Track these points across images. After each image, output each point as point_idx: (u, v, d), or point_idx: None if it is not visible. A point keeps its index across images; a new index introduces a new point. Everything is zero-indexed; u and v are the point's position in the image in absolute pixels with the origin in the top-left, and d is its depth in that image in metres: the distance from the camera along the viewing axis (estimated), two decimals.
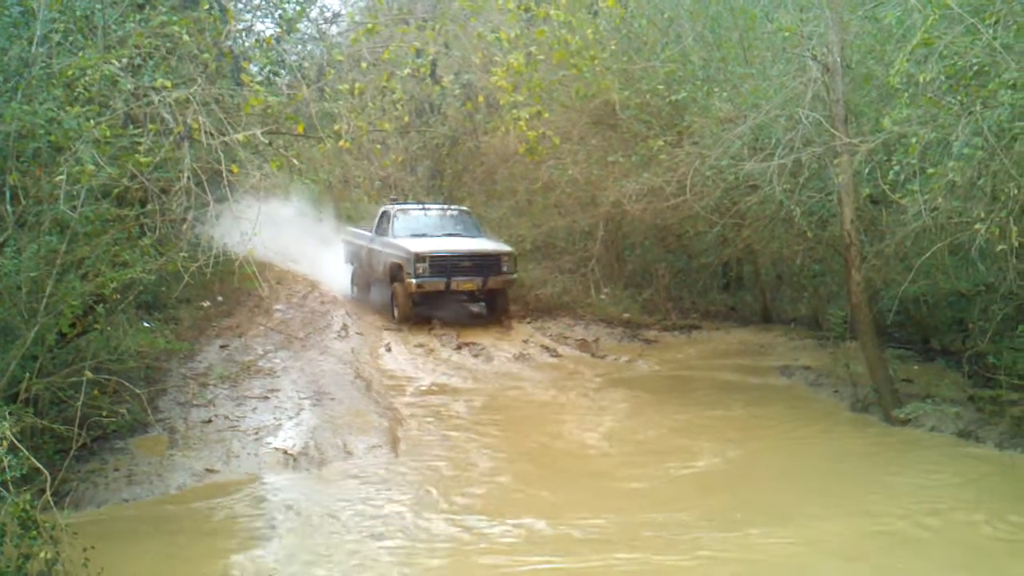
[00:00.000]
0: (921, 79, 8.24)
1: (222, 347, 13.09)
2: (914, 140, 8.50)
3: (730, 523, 7.33)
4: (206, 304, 14.08)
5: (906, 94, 8.66)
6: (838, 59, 10.04)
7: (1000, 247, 7.99)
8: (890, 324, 12.65)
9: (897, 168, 8.90)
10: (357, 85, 8.75)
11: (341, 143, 8.32)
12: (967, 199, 8.47)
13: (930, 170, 8.55)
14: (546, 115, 9.99)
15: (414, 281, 15.56)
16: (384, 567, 6.62)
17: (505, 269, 16.05)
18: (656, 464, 8.98)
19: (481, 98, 11.07)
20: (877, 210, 11.04)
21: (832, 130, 9.96)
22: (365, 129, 8.64)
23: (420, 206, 18.22)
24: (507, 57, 8.28)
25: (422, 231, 16.84)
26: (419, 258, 15.53)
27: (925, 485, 8.17)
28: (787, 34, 10.70)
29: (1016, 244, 7.82)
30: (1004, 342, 9.93)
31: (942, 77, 8.32)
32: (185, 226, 7.75)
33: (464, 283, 15.90)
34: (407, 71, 8.94)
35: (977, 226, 8.01)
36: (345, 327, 15.26)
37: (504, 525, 7.38)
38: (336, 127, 8.28)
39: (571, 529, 7.28)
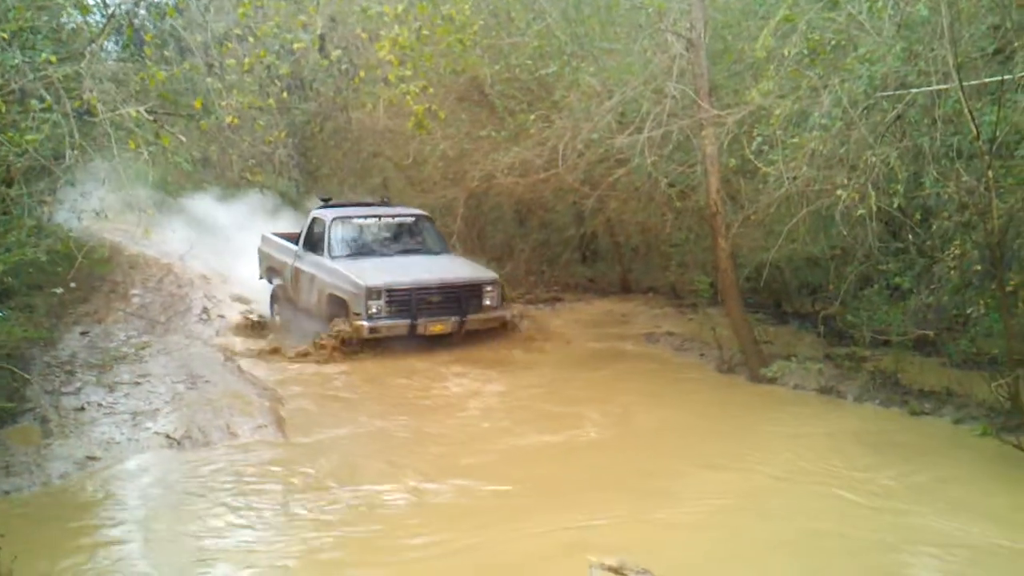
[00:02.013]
0: (786, 52, 8.71)
1: (83, 334, 12.57)
2: (777, 112, 8.97)
3: (631, 484, 7.64)
4: (59, 291, 13.45)
5: (771, 67, 9.12)
6: (702, 34, 10.41)
7: (860, 212, 8.55)
8: (745, 290, 13.27)
9: (760, 139, 9.38)
10: (246, 60, 8.56)
11: (230, 119, 8.13)
12: (828, 167, 8.99)
13: (792, 140, 9.05)
14: (431, 90, 10.02)
15: (366, 324, 11.84)
16: (258, 541, 6.67)
17: (489, 302, 12.52)
18: (548, 431, 9.19)
19: (363, 72, 10.89)
20: (737, 180, 11.54)
21: (700, 102, 10.33)
22: (246, 105, 8.50)
23: (363, 211, 13.82)
24: (392, 32, 8.29)
25: (369, 248, 13.21)
26: (373, 293, 11.86)
27: (798, 435, 8.74)
28: (649, 10, 11.02)
29: (875, 209, 8.41)
30: (856, 302, 10.60)
31: (804, 51, 8.81)
32: (48, 208, 7.46)
33: (434, 325, 12.13)
34: (297, 46, 8.79)
35: (839, 192, 8.55)
36: (206, 310, 14.90)
37: (399, 494, 7.48)
38: (223, 103, 8.09)
39: (472, 497, 7.45)
